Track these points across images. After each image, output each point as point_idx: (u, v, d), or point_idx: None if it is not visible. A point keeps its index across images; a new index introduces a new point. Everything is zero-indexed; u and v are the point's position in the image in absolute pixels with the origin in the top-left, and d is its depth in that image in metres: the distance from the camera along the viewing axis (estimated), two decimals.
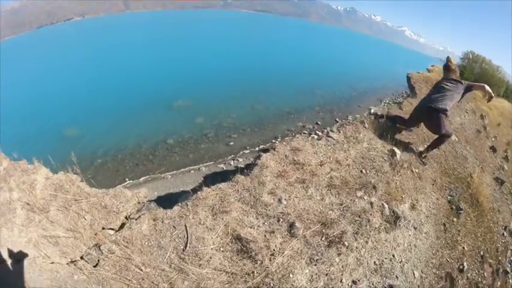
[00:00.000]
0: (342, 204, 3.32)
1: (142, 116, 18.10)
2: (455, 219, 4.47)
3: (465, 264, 3.92)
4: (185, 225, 2.72)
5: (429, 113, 4.62)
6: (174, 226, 2.72)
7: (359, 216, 3.25)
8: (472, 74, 36.09)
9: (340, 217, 3.16)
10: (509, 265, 4.99)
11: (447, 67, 5.20)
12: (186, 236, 2.64)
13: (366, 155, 4.20)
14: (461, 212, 4.63)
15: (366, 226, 3.21)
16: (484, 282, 4.01)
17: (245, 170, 3.49)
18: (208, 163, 13.35)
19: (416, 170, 4.61)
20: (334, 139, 4.26)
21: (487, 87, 4.60)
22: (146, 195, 3.14)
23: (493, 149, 9.46)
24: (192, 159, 13.75)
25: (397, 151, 4.47)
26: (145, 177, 12.09)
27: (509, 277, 4.53)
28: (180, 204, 2.99)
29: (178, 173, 12.47)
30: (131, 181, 11.81)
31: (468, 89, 4.76)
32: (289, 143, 3.91)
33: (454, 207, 4.65)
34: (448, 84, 4.80)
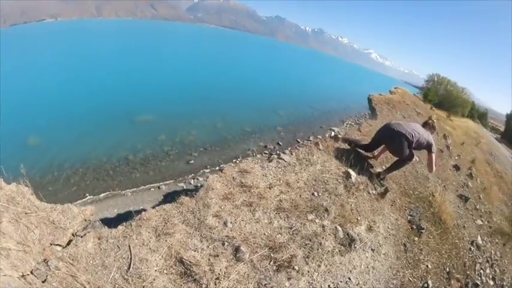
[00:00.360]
0: (291, 228, 3.30)
1: (104, 129, 17.78)
2: (416, 239, 4.56)
3: (429, 282, 3.98)
4: (129, 246, 2.66)
5: (391, 136, 4.74)
6: (118, 246, 2.65)
7: (310, 240, 3.23)
8: (436, 96, 38.44)
9: (290, 241, 3.13)
10: (479, 278, 5.14)
11: (428, 124, 5.20)
12: (129, 257, 2.58)
13: (319, 178, 4.24)
14: (423, 231, 4.74)
15: (318, 249, 3.19)
16: None
17: (189, 192, 3.43)
18: (168, 181, 13.27)
19: (374, 192, 4.72)
20: (285, 161, 4.29)
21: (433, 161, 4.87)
22: (92, 212, 3.06)
23: (457, 167, 9.95)
24: (152, 176, 13.61)
25: (353, 173, 4.54)
26: (105, 194, 11.89)
27: None
28: (124, 224, 2.93)
29: (139, 190, 12.34)
30: (91, 197, 11.56)
31: (425, 147, 4.87)
32: (238, 164, 3.91)
33: (415, 227, 4.75)
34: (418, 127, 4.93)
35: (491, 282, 5.41)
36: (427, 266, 4.25)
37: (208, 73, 41.03)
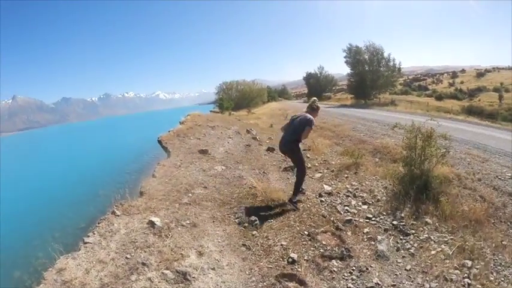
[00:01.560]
0: None
1: None
2: (255, 232, 5.11)
3: (292, 254, 4.46)
4: None
5: (284, 146, 6.33)
6: None
7: None
8: (231, 100, 43.72)
9: None
10: (348, 213, 6.01)
11: (311, 107, 6.39)
12: None
13: (127, 240, 4.44)
14: (256, 221, 5.45)
15: None
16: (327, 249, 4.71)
17: None
18: None
19: (187, 222, 5.22)
20: (91, 243, 4.40)
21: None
22: None
23: (270, 149, 11.54)
24: None
25: (156, 219, 4.95)
26: None
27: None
28: None
29: None
30: None
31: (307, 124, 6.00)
32: (54, 269, 3.88)
33: (247, 224, 5.38)
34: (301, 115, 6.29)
35: (365, 206, 6.29)
36: (281, 245, 4.76)
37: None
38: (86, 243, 4.40)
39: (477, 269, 4.23)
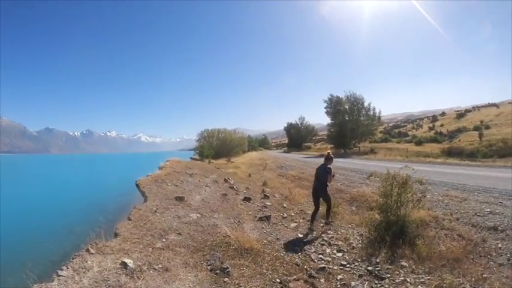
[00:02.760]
0: None
1: None
2: (227, 279, 4.97)
3: None
4: None
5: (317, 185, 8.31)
6: None
7: None
8: (212, 148, 43.79)
9: None
10: (322, 261, 5.89)
11: (327, 158, 8.43)
12: None
13: (99, 278, 4.33)
14: (229, 269, 5.35)
15: None
16: None
17: None
18: None
19: (160, 266, 5.08)
20: (64, 276, 4.29)
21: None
22: None
23: (247, 199, 11.53)
24: None
25: (128, 260, 4.81)
26: None
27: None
28: None
29: None
30: None
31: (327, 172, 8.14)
32: None
33: (219, 271, 5.23)
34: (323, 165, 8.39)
35: (339, 254, 6.29)
36: None
37: None
38: (59, 275, 4.30)
39: None
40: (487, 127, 56.92)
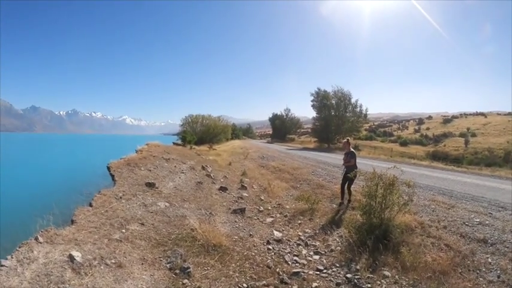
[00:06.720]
0: None
1: None
2: (186, 281, 4.51)
3: None
4: None
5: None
6: None
7: None
8: (195, 134, 43.25)
9: None
10: (296, 264, 5.48)
11: (347, 143, 9.44)
12: None
13: (43, 271, 3.87)
14: (190, 269, 4.85)
15: None
16: None
17: None
18: None
19: (113, 261, 4.55)
20: (7, 267, 3.85)
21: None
22: None
23: (223, 188, 11.13)
24: None
25: (77, 253, 4.31)
26: None
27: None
28: None
29: None
30: None
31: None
32: None
33: (179, 271, 4.79)
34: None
35: (316, 257, 5.93)
36: None
37: None
38: (2, 265, 3.89)
39: None
40: (473, 135, 57.43)
